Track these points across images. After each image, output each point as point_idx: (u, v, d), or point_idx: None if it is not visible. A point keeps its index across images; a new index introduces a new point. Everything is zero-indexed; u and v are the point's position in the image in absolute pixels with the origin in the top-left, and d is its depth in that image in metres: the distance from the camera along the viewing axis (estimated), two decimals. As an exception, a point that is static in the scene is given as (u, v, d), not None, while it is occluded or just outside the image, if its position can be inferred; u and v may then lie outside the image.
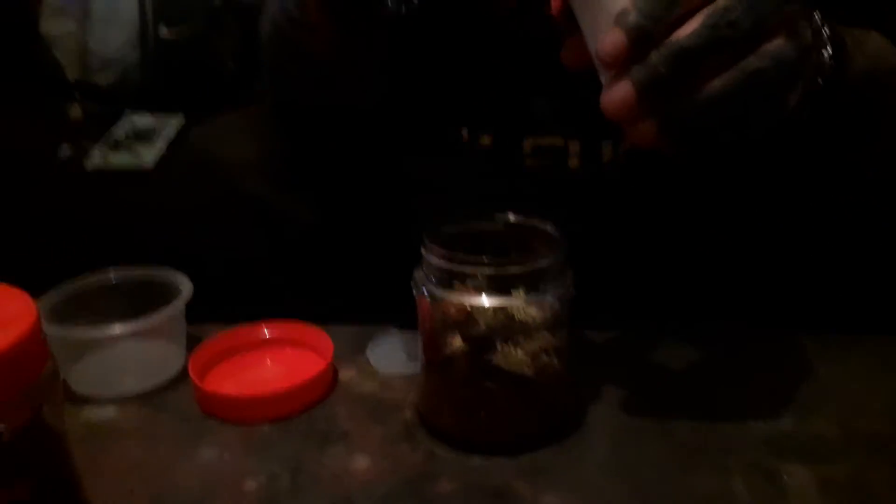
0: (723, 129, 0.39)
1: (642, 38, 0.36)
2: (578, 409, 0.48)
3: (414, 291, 0.47)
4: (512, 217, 0.49)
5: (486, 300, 0.44)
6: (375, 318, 0.60)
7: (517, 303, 0.44)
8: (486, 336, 0.45)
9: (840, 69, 0.49)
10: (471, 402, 0.46)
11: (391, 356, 0.55)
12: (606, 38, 0.37)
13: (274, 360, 0.55)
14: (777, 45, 0.36)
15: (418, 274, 0.47)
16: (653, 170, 0.65)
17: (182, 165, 0.77)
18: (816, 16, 0.47)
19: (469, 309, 0.44)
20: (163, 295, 0.55)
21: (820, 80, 0.47)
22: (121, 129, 1.27)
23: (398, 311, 0.54)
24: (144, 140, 1.25)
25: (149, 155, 1.20)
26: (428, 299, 0.46)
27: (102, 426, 0.50)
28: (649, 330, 0.56)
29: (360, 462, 0.45)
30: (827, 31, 0.47)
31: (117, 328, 0.51)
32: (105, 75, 1.31)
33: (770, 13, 0.36)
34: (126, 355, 0.54)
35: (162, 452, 0.47)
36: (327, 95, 0.63)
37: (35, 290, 0.33)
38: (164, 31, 1.29)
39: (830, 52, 0.48)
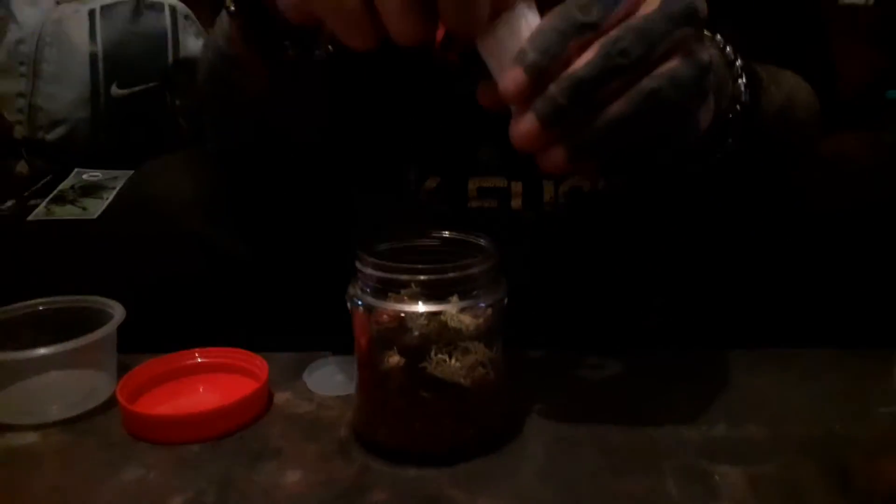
0: (630, 151, 0.40)
1: (540, 74, 0.38)
2: (514, 420, 0.48)
3: (349, 305, 0.47)
4: (446, 233, 0.50)
5: (420, 307, 0.44)
6: (313, 345, 0.59)
7: (450, 309, 0.44)
8: (419, 345, 0.45)
9: (756, 99, 0.52)
10: (406, 412, 0.45)
11: (328, 380, 0.55)
12: (508, 76, 0.39)
13: (207, 386, 0.54)
14: (671, 66, 0.38)
15: (353, 288, 0.47)
16: (592, 207, 0.67)
17: (122, 204, 0.77)
18: (728, 48, 0.50)
19: (403, 316, 0.44)
20: (94, 323, 0.53)
21: (738, 106, 0.50)
22: (67, 185, 1.27)
23: (336, 339, 0.54)
24: (92, 195, 1.24)
25: (95, 208, 1.19)
26: (362, 310, 0.46)
27: (21, 452, 0.48)
28: (585, 351, 0.57)
29: (292, 477, 0.44)
30: (740, 62, 0.50)
31: (42, 351, 0.50)
32: (54, 133, 1.31)
33: (661, 38, 0.38)
34: (53, 382, 0.52)
35: (83, 476, 0.45)
36: (265, 134, 0.64)
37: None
38: (115, 90, 1.30)
39: (745, 81, 0.51)
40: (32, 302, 0.56)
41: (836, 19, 1.56)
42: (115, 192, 1.24)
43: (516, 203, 0.66)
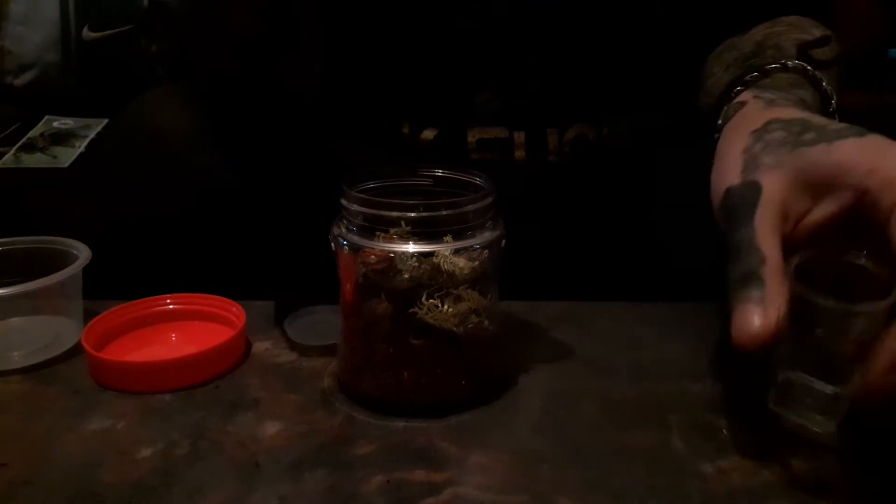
0: None
1: None
2: (509, 372, 0.45)
3: (333, 246, 0.43)
4: (440, 171, 0.46)
5: (410, 247, 0.41)
6: (296, 296, 0.56)
7: (444, 250, 0.41)
8: (410, 288, 0.41)
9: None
10: (393, 360, 0.42)
11: (310, 328, 0.51)
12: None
13: (180, 334, 0.50)
14: None
15: (338, 228, 0.43)
16: (597, 156, 0.64)
17: (119, 138, 0.72)
18: (825, 85, 0.49)
19: (392, 256, 0.41)
20: (58, 265, 0.50)
21: None
22: (37, 132, 1.21)
23: (320, 289, 0.51)
24: (63, 143, 1.19)
25: (66, 157, 1.14)
26: (348, 251, 0.42)
27: (-22, 400, 0.44)
28: (584, 301, 0.54)
29: (270, 429, 0.41)
30: (835, 100, 0.49)
31: (0, 292, 0.46)
32: (22, 77, 1.25)
33: None
34: (14, 328, 0.49)
35: (47, 425, 0.42)
36: (254, 76, 0.60)
37: None
38: (87, 33, 1.24)
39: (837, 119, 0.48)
40: (-11, 241, 0.52)
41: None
42: (87, 141, 1.19)
43: (519, 154, 0.63)
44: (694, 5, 0.60)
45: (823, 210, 0.37)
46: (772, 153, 0.39)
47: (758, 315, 0.34)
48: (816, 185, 0.37)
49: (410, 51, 0.62)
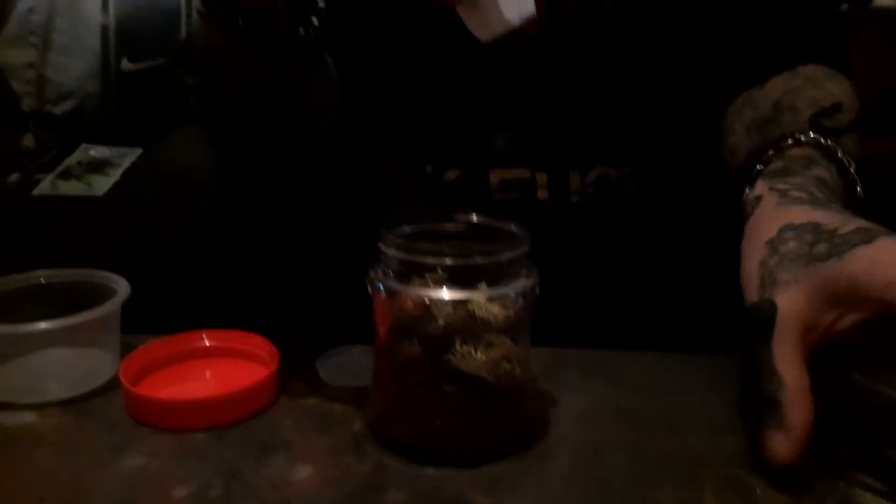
0: None
1: None
2: (541, 421, 0.45)
3: (369, 289, 0.44)
4: (474, 217, 0.47)
5: (446, 293, 0.41)
6: (328, 335, 0.56)
7: (479, 297, 0.41)
8: (444, 335, 0.42)
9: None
10: (425, 407, 0.43)
11: (343, 370, 0.52)
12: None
13: (215, 371, 0.51)
14: None
15: (375, 271, 0.44)
16: (621, 198, 0.64)
17: (146, 174, 0.75)
18: (841, 155, 0.51)
19: (427, 303, 0.42)
20: (98, 298, 0.51)
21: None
22: (74, 160, 1.24)
23: (352, 330, 0.51)
24: (98, 172, 1.21)
25: (101, 185, 1.16)
26: (384, 296, 0.43)
27: (18, 432, 0.45)
28: (615, 350, 0.54)
29: (302, 472, 0.41)
30: (854, 167, 0.51)
31: (42, 325, 0.47)
32: (62, 106, 1.28)
33: None
34: (53, 359, 0.50)
35: (82, 460, 0.42)
36: (269, 118, 0.61)
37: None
38: (126, 64, 1.27)
39: (860, 188, 0.51)
40: (33, 273, 0.53)
41: (869, 22, 1.52)
42: (121, 170, 1.22)
43: (542, 194, 0.63)
44: (710, 52, 0.61)
45: (853, 319, 0.38)
46: (786, 269, 0.40)
47: (784, 440, 0.37)
48: (836, 299, 0.38)
49: (429, 92, 0.64)
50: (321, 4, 0.55)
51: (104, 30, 1.25)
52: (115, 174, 1.20)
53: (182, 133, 0.69)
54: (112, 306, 0.49)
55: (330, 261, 0.62)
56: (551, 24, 0.59)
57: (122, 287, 0.51)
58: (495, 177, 0.63)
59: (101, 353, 0.51)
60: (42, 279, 0.53)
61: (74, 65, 1.26)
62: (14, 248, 0.92)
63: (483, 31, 0.46)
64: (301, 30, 0.53)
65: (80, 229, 1.01)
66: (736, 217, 0.50)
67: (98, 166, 1.23)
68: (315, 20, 0.54)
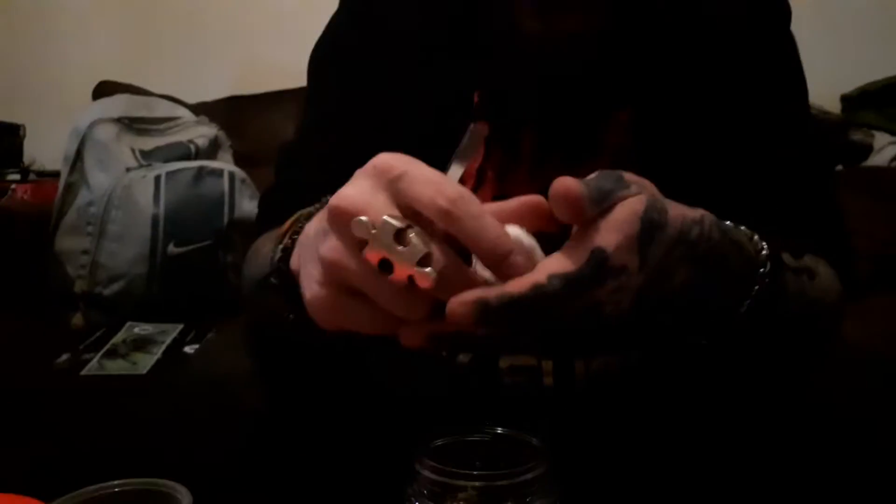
0: None
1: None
2: None
3: (405, 505, 0.49)
4: (500, 430, 0.52)
5: (476, 513, 0.46)
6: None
7: (506, 517, 0.46)
8: (475, 551, 0.46)
9: (778, 288, 0.54)
10: None
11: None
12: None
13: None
14: None
15: (410, 489, 0.49)
16: (624, 385, 0.69)
17: (178, 374, 0.81)
18: (756, 237, 0.53)
19: (460, 522, 0.46)
20: (161, 506, 0.56)
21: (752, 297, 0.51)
22: (119, 339, 1.32)
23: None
24: (142, 349, 1.29)
25: (145, 363, 1.23)
26: (419, 512, 0.48)
27: None
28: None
29: None
30: (766, 251, 0.52)
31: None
32: (111, 287, 1.38)
33: None
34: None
35: None
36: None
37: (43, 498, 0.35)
38: (172, 249, 1.38)
39: (767, 271, 0.53)
40: (108, 483, 0.58)
41: (862, 181, 1.62)
42: (164, 346, 1.29)
43: (548, 380, 0.68)
44: None
45: None
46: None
47: None
48: None
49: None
50: None
51: (154, 219, 1.36)
52: (158, 351, 1.28)
53: (220, 335, 0.75)
54: (174, 516, 0.54)
55: (361, 462, 0.67)
56: None
57: (185, 498, 0.56)
58: (504, 362, 0.68)
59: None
60: (116, 488, 0.58)
61: (125, 251, 1.37)
62: (66, 429, 0.98)
63: None
64: None
65: (127, 407, 1.07)
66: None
67: (142, 344, 1.31)
68: None
